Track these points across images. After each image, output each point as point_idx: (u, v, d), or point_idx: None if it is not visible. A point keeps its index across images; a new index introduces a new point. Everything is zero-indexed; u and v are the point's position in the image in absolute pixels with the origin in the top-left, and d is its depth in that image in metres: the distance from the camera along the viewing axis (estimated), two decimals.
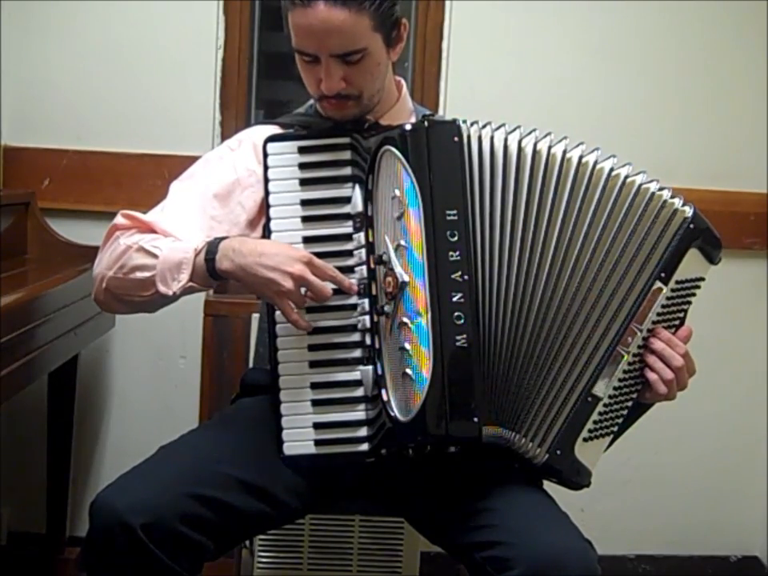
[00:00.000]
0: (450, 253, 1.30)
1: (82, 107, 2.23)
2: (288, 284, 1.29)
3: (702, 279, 1.40)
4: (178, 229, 1.43)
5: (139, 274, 1.38)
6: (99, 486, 1.31)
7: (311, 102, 1.56)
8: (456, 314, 1.30)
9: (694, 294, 1.40)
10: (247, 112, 2.37)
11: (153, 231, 1.42)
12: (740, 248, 2.39)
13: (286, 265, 1.30)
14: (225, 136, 2.23)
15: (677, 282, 1.38)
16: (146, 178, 2.21)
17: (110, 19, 2.21)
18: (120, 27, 2.22)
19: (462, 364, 1.30)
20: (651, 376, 1.38)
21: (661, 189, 1.38)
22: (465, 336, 1.29)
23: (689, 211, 1.39)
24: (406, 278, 1.30)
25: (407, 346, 1.30)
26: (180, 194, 1.49)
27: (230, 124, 2.27)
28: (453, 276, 1.30)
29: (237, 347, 2.26)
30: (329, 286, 1.33)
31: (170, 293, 1.36)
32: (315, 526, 1.91)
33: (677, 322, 1.41)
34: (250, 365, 1.90)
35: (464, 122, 1.37)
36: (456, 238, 1.31)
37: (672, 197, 1.38)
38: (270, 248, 1.33)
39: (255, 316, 2.02)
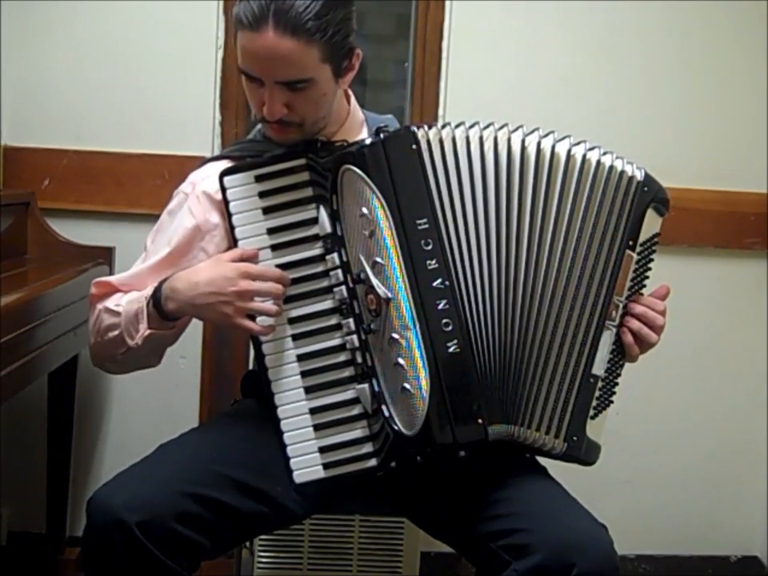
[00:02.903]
0: (428, 262, 1.31)
1: (82, 107, 2.23)
2: (237, 303, 1.31)
3: (659, 235, 1.44)
4: (143, 282, 1.44)
5: (111, 334, 1.41)
6: (99, 485, 1.31)
7: (259, 126, 1.56)
8: (444, 321, 1.30)
9: (654, 251, 1.43)
10: (247, 112, 2.36)
11: (118, 292, 1.45)
12: (740, 248, 2.39)
13: (226, 286, 1.31)
14: (225, 136, 2.24)
15: (641, 245, 1.41)
16: (146, 177, 2.21)
17: (110, 19, 2.21)
18: (120, 27, 2.21)
19: (457, 369, 1.31)
20: (627, 339, 1.40)
21: (616, 158, 1.39)
22: (456, 341, 1.30)
23: (640, 175, 1.40)
24: (389, 294, 1.31)
25: (401, 360, 1.30)
26: (149, 248, 1.49)
27: (230, 124, 2.27)
28: (434, 284, 1.31)
29: (237, 347, 2.26)
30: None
31: (133, 344, 1.38)
32: (315, 526, 1.91)
33: (645, 282, 1.44)
34: (250, 365, 1.90)
35: (419, 127, 1.36)
36: (430, 246, 1.31)
37: (624, 164, 1.40)
38: (204, 274, 1.34)
39: None
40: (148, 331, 1.37)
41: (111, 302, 1.43)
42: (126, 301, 1.41)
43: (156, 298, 1.36)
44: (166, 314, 1.36)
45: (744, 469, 2.49)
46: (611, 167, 1.38)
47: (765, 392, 2.45)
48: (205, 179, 1.48)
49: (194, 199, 1.47)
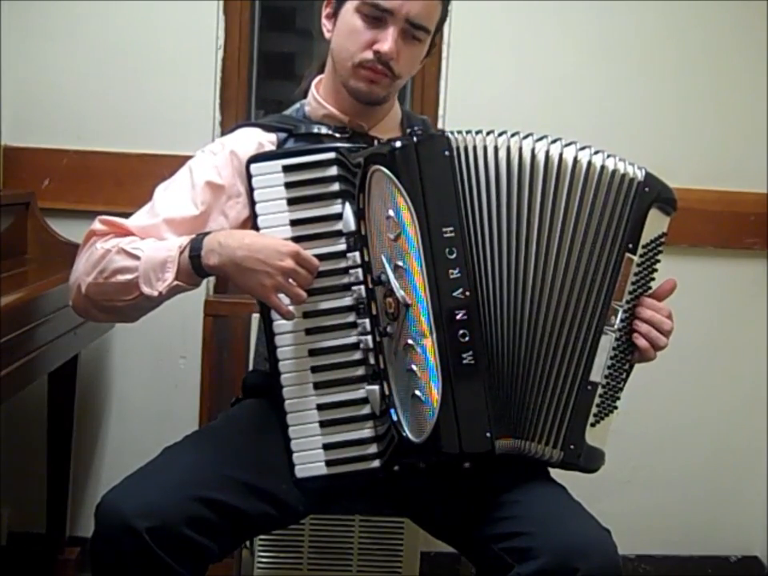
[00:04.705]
0: (450, 271, 1.30)
1: (82, 107, 2.23)
2: (278, 278, 1.28)
3: (665, 234, 1.41)
4: (161, 233, 1.40)
5: (121, 277, 1.36)
6: (99, 486, 1.31)
7: (298, 105, 1.56)
8: (461, 331, 1.30)
9: (660, 252, 1.41)
10: (247, 112, 2.37)
11: (131, 235, 1.40)
12: (740, 248, 2.39)
13: (274, 258, 1.28)
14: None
15: (643, 247, 1.39)
16: (146, 177, 2.18)
17: (110, 19, 2.21)
18: (120, 27, 2.22)
19: (470, 381, 1.30)
20: (642, 343, 1.38)
21: (618, 161, 1.38)
22: (471, 353, 1.30)
23: (641, 175, 1.38)
24: (408, 300, 1.30)
25: (414, 367, 1.30)
26: (164, 201, 1.45)
27: (230, 124, 2.26)
28: (454, 294, 1.30)
29: (237, 347, 2.26)
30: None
31: (155, 293, 1.34)
32: (315, 526, 1.91)
33: (651, 284, 1.41)
34: (250, 365, 1.90)
35: (452, 132, 1.35)
36: (455, 255, 1.30)
37: (626, 166, 1.38)
38: (257, 240, 1.32)
39: (255, 316, 2.02)
40: (175, 282, 1.33)
41: (127, 244, 1.37)
42: (148, 247, 1.36)
43: (195, 250, 1.33)
44: (202, 267, 1.33)
45: (744, 469, 2.49)
46: (613, 171, 1.37)
47: (765, 392, 2.45)
48: (235, 142, 1.48)
49: (223, 160, 1.46)
